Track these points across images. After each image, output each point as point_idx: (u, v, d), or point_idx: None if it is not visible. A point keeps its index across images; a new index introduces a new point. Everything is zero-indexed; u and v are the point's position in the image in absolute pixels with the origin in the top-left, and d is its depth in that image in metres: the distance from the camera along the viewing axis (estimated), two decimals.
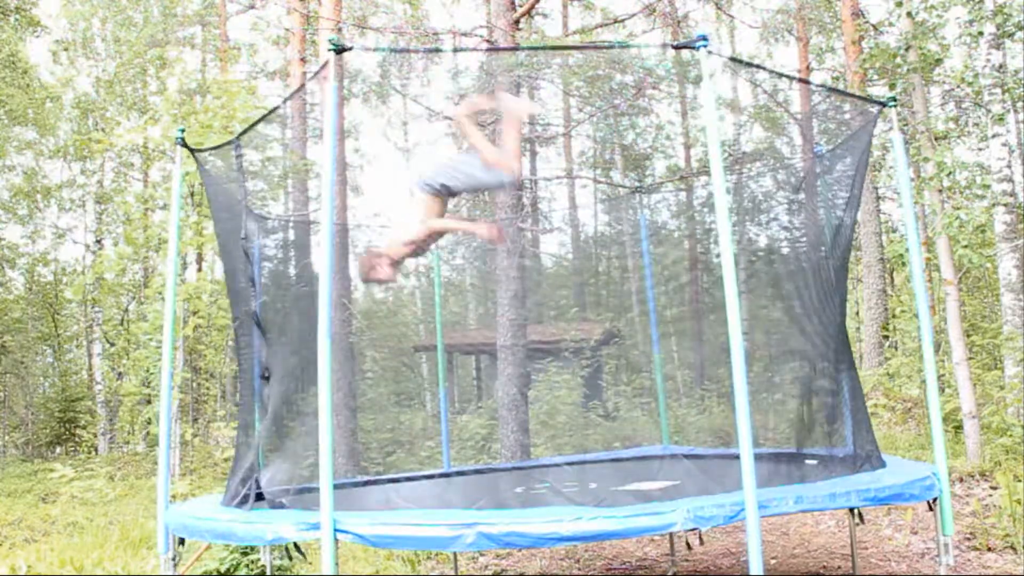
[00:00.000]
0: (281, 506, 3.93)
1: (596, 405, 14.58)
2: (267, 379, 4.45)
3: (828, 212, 4.78)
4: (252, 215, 4.92)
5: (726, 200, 3.36)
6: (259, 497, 4.10)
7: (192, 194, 9.79)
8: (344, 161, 11.65)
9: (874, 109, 4.48)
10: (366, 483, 5.74)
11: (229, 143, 4.79)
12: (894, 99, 4.30)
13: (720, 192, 3.31)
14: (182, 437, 10.80)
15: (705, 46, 3.46)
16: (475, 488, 5.45)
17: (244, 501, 4.02)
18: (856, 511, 4.61)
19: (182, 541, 4.15)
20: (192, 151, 4.65)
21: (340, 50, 3.54)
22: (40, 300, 20.70)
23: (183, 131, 4.57)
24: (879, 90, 12.36)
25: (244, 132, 5.01)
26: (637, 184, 15.74)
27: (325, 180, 3.42)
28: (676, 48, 3.71)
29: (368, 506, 4.72)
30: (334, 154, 3.51)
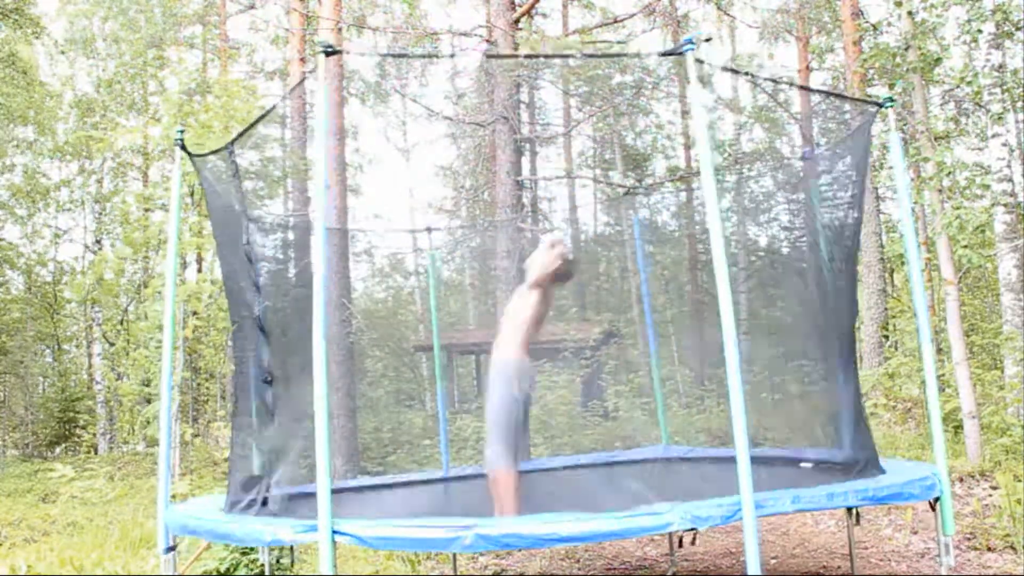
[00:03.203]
0: (278, 513, 3.90)
1: (595, 405, 14.58)
2: (269, 383, 4.43)
3: (829, 212, 4.76)
4: (251, 218, 4.90)
5: (718, 204, 3.33)
6: (264, 503, 4.07)
7: (192, 194, 9.79)
8: (343, 162, 11.65)
9: (872, 109, 4.46)
10: (363, 488, 5.73)
11: (224, 148, 4.77)
12: (892, 100, 4.28)
13: (711, 196, 3.29)
14: (182, 437, 10.79)
15: (691, 50, 3.39)
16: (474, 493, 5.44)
17: (250, 507, 3.99)
18: (854, 512, 4.61)
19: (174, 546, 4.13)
20: (190, 154, 4.63)
21: (329, 52, 3.52)
22: (39, 300, 20.70)
23: (182, 132, 4.56)
24: (879, 90, 12.36)
25: (239, 136, 4.98)
26: (636, 184, 15.76)
27: (318, 181, 3.42)
28: (663, 55, 3.66)
29: (366, 513, 4.71)
30: (326, 155, 3.52)
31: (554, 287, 4.68)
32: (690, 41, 3.39)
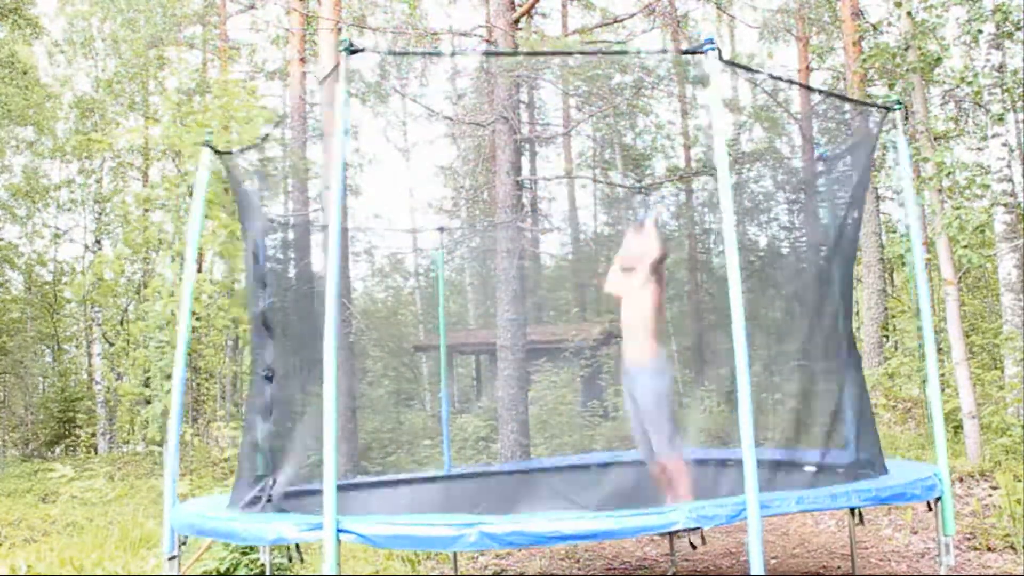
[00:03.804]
0: (284, 510, 3.91)
1: (595, 405, 14.59)
2: (270, 379, 4.43)
3: (830, 213, 4.77)
4: (262, 216, 4.92)
5: (725, 203, 3.35)
6: (270, 500, 4.07)
7: (190, 194, 9.78)
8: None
9: (880, 113, 4.45)
10: (367, 485, 5.73)
11: (253, 146, 4.79)
12: (899, 103, 4.29)
13: (726, 195, 3.30)
14: (182, 437, 10.77)
15: (712, 50, 3.41)
16: (476, 491, 5.45)
17: (254, 503, 4.00)
18: (857, 512, 4.61)
19: (183, 541, 4.15)
20: (219, 153, 4.63)
21: (352, 51, 3.51)
22: (39, 300, 20.69)
23: (211, 133, 4.56)
24: (879, 90, 12.37)
25: (275, 127, 4.99)
26: (637, 184, 15.77)
27: (334, 184, 3.41)
28: (684, 54, 3.66)
29: (369, 510, 4.72)
30: (343, 157, 3.49)
31: (663, 267, 4.62)
32: (711, 41, 3.40)
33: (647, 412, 4.42)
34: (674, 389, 4.53)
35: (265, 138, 4.88)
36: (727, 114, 19.98)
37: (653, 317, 4.46)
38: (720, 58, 3.44)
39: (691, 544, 4.32)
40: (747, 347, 3.17)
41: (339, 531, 3.11)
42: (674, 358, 14.64)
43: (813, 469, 4.40)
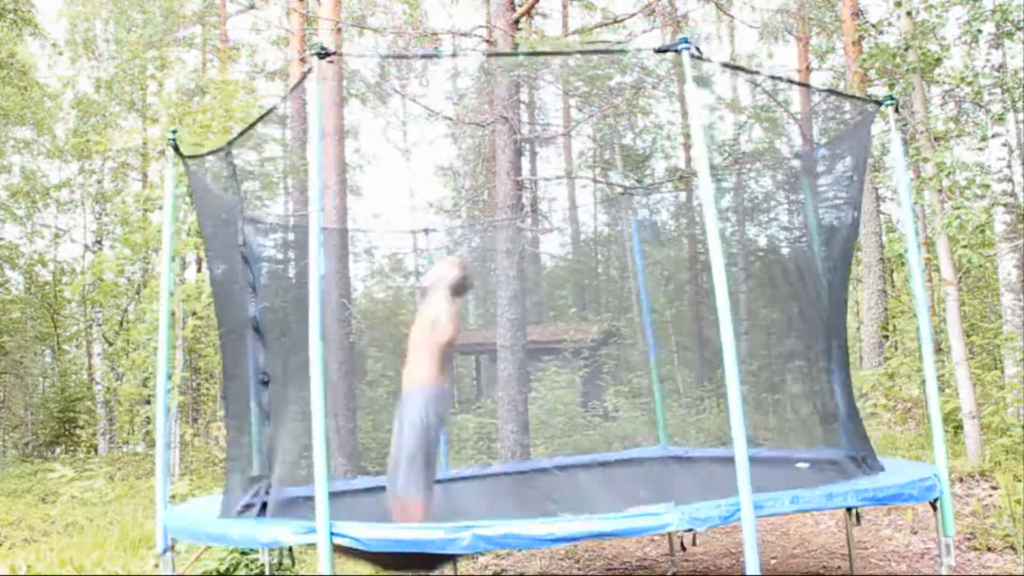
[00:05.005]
0: (276, 516, 3.86)
1: (595, 405, 14.57)
2: (266, 384, 4.39)
3: (827, 212, 4.76)
4: (248, 219, 4.88)
5: (716, 203, 3.34)
6: (263, 507, 4.01)
7: (191, 194, 9.77)
8: (343, 162, 11.65)
9: (872, 108, 4.45)
10: (366, 489, 5.72)
11: (220, 150, 4.76)
12: (891, 98, 4.28)
13: (708, 196, 3.29)
14: (182, 437, 10.78)
15: (687, 48, 3.39)
16: (474, 496, 5.43)
17: (247, 509, 3.93)
18: (855, 512, 4.60)
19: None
20: (182, 157, 4.62)
21: (323, 55, 3.52)
22: (39, 300, 20.69)
23: (175, 132, 4.55)
24: (879, 90, 12.36)
25: (236, 138, 4.99)
26: (636, 184, 15.76)
27: (312, 181, 3.42)
28: (658, 52, 3.63)
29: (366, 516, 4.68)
30: (319, 158, 3.49)
31: (457, 302, 4.54)
32: (685, 40, 3.39)
33: (403, 444, 4.22)
34: (442, 423, 4.35)
35: (232, 142, 4.85)
36: (727, 114, 19.96)
37: (439, 347, 4.33)
38: (698, 55, 3.43)
39: (682, 546, 4.32)
40: (736, 346, 3.15)
41: (332, 535, 3.10)
42: (674, 359, 14.63)
43: (806, 466, 4.40)
